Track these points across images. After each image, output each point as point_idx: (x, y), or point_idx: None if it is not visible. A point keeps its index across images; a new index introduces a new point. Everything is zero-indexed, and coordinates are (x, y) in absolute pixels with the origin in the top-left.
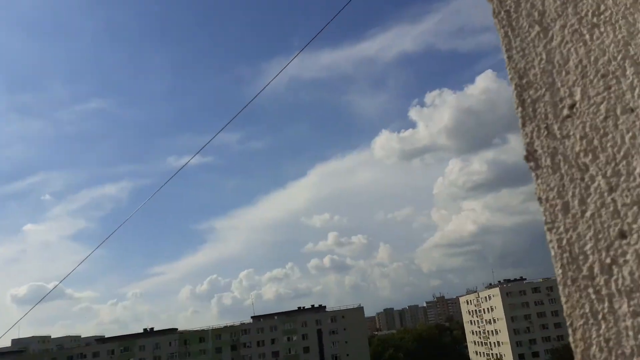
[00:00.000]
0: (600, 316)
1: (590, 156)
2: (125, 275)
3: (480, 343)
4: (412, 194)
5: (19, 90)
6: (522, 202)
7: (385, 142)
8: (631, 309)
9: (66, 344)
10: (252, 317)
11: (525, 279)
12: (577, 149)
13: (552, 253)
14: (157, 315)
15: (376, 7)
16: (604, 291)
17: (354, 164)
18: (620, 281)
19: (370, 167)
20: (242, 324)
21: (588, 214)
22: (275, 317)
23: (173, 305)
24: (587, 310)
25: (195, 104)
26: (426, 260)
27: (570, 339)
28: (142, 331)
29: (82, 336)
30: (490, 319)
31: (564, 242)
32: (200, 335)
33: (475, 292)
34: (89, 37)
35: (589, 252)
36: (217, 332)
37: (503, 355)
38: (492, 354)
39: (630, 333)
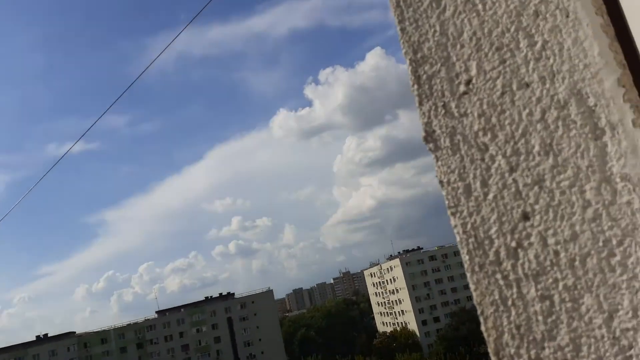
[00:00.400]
0: (509, 302)
1: (489, 135)
2: (9, 278)
3: (386, 313)
4: (313, 172)
5: None
6: (413, 175)
7: (283, 121)
8: (539, 292)
9: None
10: (156, 312)
11: (422, 248)
12: (475, 127)
13: (458, 239)
14: (50, 320)
15: None
16: (511, 276)
17: (253, 144)
18: (526, 265)
19: (270, 147)
20: (147, 320)
21: (490, 196)
22: (182, 310)
23: (68, 307)
24: (497, 297)
25: (74, 85)
26: (330, 237)
27: (482, 328)
28: (34, 339)
29: None
30: (393, 289)
31: (469, 226)
32: (101, 337)
33: (378, 264)
34: None
35: (494, 236)
36: (120, 331)
37: (408, 323)
38: (397, 322)
39: (540, 318)
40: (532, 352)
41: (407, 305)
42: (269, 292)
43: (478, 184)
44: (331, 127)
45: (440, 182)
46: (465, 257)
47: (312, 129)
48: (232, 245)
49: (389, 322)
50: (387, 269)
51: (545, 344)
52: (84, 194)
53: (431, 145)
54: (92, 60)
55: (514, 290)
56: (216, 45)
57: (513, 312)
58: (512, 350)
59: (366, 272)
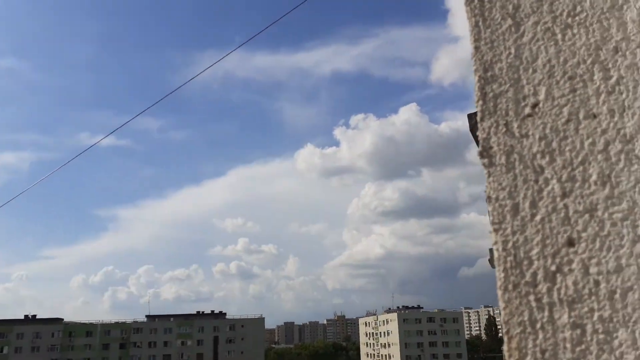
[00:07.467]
0: (538, 325)
1: (547, 158)
2: (12, 254)
3: None
4: (327, 210)
5: None
6: (426, 234)
7: (308, 155)
8: (571, 320)
9: None
10: (146, 316)
11: (422, 308)
12: (534, 149)
13: (496, 255)
14: (42, 303)
15: (318, 21)
16: (545, 299)
17: (275, 172)
18: (563, 290)
19: (290, 178)
20: (135, 322)
21: (538, 217)
22: (172, 319)
23: (62, 293)
24: (526, 319)
25: (117, 82)
26: (332, 277)
27: (505, 348)
28: (22, 317)
29: None
30: (385, 343)
31: (510, 244)
32: (87, 329)
33: (375, 315)
34: None
35: (534, 258)
36: (107, 328)
37: None
38: None
39: (568, 345)
40: None
41: None
42: (260, 320)
43: (527, 204)
44: (353, 170)
45: (489, 197)
46: (500, 275)
47: (335, 169)
48: (233, 265)
49: None
50: (383, 321)
51: None
52: (103, 187)
53: (486, 160)
54: (138, 62)
55: (546, 314)
56: (261, 71)
57: (541, 336)
58: None
59: (361, 320)
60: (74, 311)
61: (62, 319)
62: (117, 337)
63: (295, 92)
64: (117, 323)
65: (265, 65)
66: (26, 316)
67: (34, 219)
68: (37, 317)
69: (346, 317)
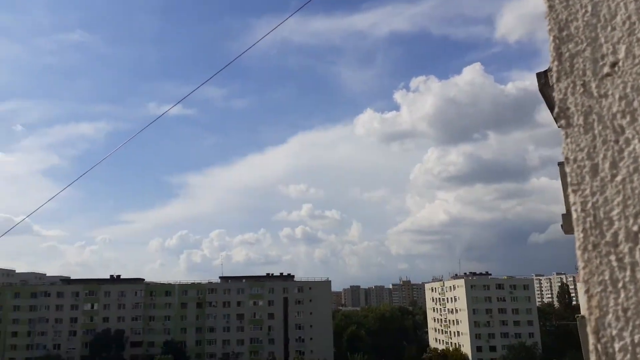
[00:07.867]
0: (620, 284)
1: (628, 118)
2: (96, 218)
3: (440, 331)
4: (389, 176)
5: None
6: (493, 199)
7: (367, 120)
8: None
9: (31, 281)
10: (220, 277)
11: (490, 274)
12: (614, 109)
13: (575, 216)
14: (124, 264)
15: None
16: (627, 259)
17: (336, 137)
18: None
19: (350, 143)
20: (210, 283)
21: (619, 178)
22: (244, 280)
23: (141, 256)
24: (607, 278)
25: (182, 52)
26: (396, 243)
27: (585, 306)
28: (108, 277)
29: (47, 274)
30: (452, 309)
31: (589, 205)
32: (166, 289)
33: (441, 280)
34: None
35: (615, 218)
36: (184, 288)
37: (462, 345)
38: (451, 342)
39: None
40: (637, 337)
41: (464, 327)
42: (327, 282)
43: (607, 164)
44: (415, 135)
45: (567, 158)
46: (579, 235)
47: (395, 134)
48: (299, 230)
49: (442, 340)
50: (450, 287)
51: None
52: (172, 155)
53: (563, 121)
54: (199, 31)
55: (627, 273)
56: (317, 36)
57: (622, 295)
58: (615, 332)
59: (427, 286)
60: (153, 272)
61: (144, 279)
62: (194, 297)
63: (353, 55)
64: (193, 284)
65: (321, 29)
66: (111, 276)
67: (113, 186)
68: (121, 277)
69: (412, 282)
